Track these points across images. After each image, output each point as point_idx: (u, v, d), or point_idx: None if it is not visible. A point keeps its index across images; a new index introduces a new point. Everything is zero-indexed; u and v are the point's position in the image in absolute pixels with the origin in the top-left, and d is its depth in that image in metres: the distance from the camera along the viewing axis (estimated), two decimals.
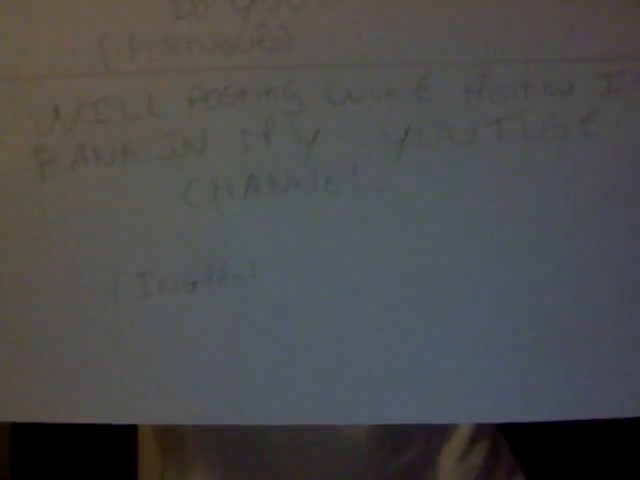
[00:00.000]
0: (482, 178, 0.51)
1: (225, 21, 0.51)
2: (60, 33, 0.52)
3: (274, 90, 0.51)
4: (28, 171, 0.52)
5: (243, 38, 0.51)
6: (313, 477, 0.67)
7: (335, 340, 0.52)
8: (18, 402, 0.53)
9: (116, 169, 0.52)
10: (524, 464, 0.73)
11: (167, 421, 0.57)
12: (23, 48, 0.52)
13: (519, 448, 0.74)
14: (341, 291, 0.52)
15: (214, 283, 0.52)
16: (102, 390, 0.53)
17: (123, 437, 0.76)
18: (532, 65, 0.51)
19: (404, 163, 0.51)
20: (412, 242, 0.52)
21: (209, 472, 0.68)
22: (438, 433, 0.69)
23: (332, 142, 0.51)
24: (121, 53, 0.52)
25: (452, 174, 0.51)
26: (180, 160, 0.52)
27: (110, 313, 0.52)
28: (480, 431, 0.70)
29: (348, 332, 0.52)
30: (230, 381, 0.53)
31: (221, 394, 0.53)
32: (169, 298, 0.52)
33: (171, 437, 0.71)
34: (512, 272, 0.52)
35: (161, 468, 0.72)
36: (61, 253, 0.53)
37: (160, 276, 0.52)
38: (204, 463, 0.69)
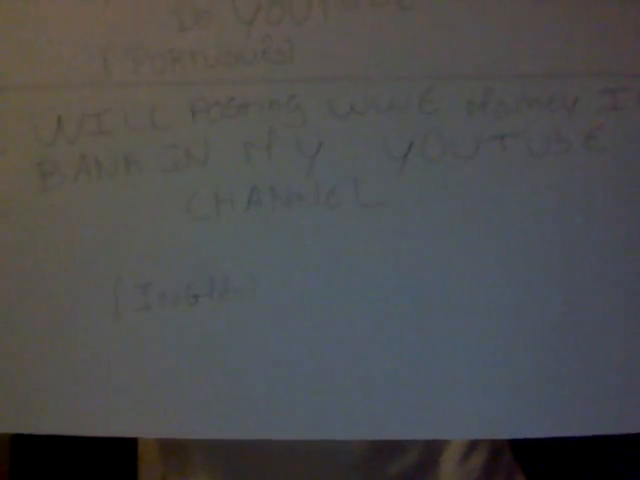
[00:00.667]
0: (485, 193, 0.51)
1: (228, 33, 0.51)
2: (64, 44, 0.52)
3: (277, 102, 0.51)
4: (31, 182, 0.52)
5: (246, 50, 0.51)
6: (313, 478, 0.67)
7: (336, 354, 0.52)
8: (17, 413, 0.53)
9: (118, 181, 0.52)
10: (524, 466, 0.73)
11: (166, 434, 0.57)
12: (27, 59, 0.52)
13: (520, 450, 0.73)
14: (343, 305, 0.52)
15: (215, 296, 0.52)
16: (102, 402, 0.52)
17: (123, 439, 0.76)
18: (536, 80, 0.51)
19: (407, 177, 0.51)
20: (414, 256, 0.52)
21: (210, 474, 0.68)
22: None
23: (335, 155, 0.51)
24: (124, 65, 0.52)
25: (455, 188, 0.51)
26: (182, 172, 0.52)
27: (111, 324, 0.52)
28: None
29: (350, 346, 0.52)
30: (231, 394, 0.52)
31: (221, 407, 0.52)
32: (170, 311, 0.52)
33: (172, 439, 0.70)
34: (516, 287, 0.52)
35: (162, 470, 0.72)
36: (63, 264, 0.52)
37: (161, 288, 0.52)
38: (205, 465, 0.68)
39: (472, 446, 0.69)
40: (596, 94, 0.51)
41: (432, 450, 0.68)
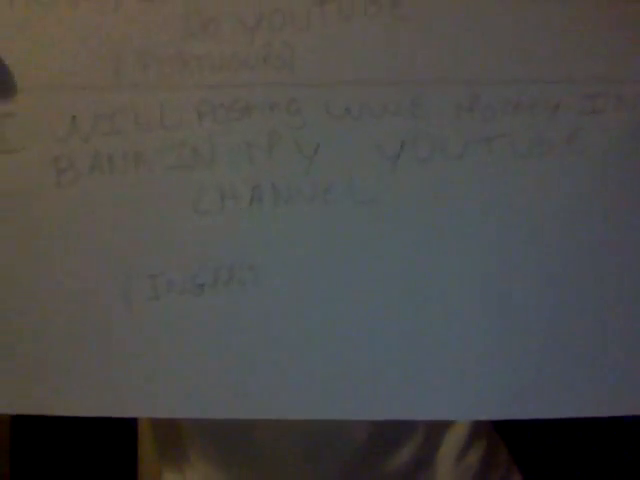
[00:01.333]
0: (472, 191, 0.54)
1: (233, 40, 0.54)
2: (78, 48, 0.55)
3: (278, 106, 0.54)
4: (46, 178, 0.55)
5: (250, 56, 0.54)
6: (311, 475, 0.68)
7: (334, 340, 0.55)
8: (34, 396, 0.56)
9: (129, 177, 0.55)
10: (520, 463, 0.74)
11: (174, 415, 0.60)
12: (43, 61, 0.55)
13: (515, 447, 0.75)
14: (339, 293, 0.55)
15: (220, 286, 0.55)
16: (113, 384, 0.56)
17: (123, 433, 0.78)
18: (520, 86, 0.54)
19: (399, 176, 0.54)
20: (406, 249, 0.55)
21: (208, 467, 0.70)
22: (435, 432, 0.70)
23: (332, 155, 0.54)
24: (135, 68, 0.55)
25: (444, 187, 0.54)
26: (189, 170, 0.55)
27: (122, 312, 0.55)
28: (477, 430, 0.71)
29: (347, 332, 0.55)
30: (235, 377, 0.56)
31: (226, 389, 0.56)
32: (177, 299, 0.55)
33: (169, 433, 0.72)
34: (504, 278, 0.55)
35: (160, 463, 0.74)
36: (77, 255, 0.56)
37: (169, 279, 0.55)
38: (202, 458, 0.70)
39: (469, 443, 0.71)
40: (576, 99, 0.53)
41: (429, 447, 0.70)
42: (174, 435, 0.72)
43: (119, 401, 0.56)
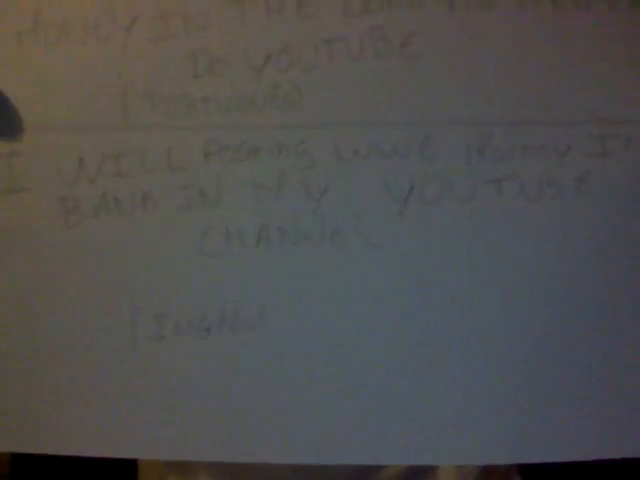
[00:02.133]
0: (481, 233, 0.54)
1: (240, 80, 0.54)
2: (85, 88, 0.55)
3: (286, 147, 0.54)
4: (53, 218, 0.55)
5: (257, 97, 0.54)
6: (312, 477, 0.68)
7: (339, 383, 0.55)
8: (37, 434, 0.57)
9: (136, 218, 0.55)
10: (520, 467, 0.73)
11: (177, 457, 0.60)
12: (51, 101, 0.55)
13: None
14: (345, 337, 0.55)
15: (226, 327, 0.55)
16: (118, 424, 0.56)
17: None
18: (530, 127, 0.53)
19: (408, 218, 0.54)
20: (414, 292, 0.55)
21: (210, 474, 0.70)
22: None
23: (340, 197, 0.54)
24: (141, 109, 0.55)
25: (453, 229, 0.54)
26: (196, 211, 0.55)
27: (128, 352, 0.55)
28: None
29: (352, 376, 0.55)
30: (240, 420, 0.55)
31: (231, 432, 0.55)
32: (183, 341, 0.55)
33: None
34: (511, 321, 0.54)
35: (161, 470, 0.74)
36: (83, 295, 0.56)
37: (175, 320, 0.55)
38: (206, 467, 0.70)
39: None
40: (587, 140, 0.53)
41: None
42: None
43: (122, 441, 0.56)
